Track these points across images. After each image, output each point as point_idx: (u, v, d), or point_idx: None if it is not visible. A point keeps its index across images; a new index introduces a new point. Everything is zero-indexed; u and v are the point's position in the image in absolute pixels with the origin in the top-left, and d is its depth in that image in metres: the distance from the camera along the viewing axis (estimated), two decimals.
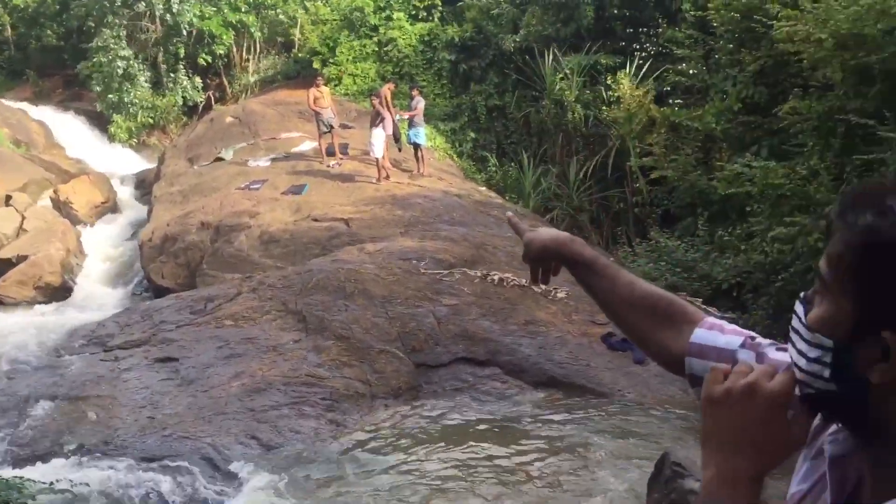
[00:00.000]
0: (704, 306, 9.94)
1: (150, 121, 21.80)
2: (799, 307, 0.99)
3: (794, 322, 1.00)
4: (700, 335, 1.30)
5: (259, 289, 9.78)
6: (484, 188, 16.22)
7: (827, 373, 0.94)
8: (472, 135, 18.17)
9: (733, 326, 1.30)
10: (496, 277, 9.85)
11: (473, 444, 6.76)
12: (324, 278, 9.61)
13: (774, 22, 10.06)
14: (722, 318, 1.32)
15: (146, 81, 21.38)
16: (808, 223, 8.24)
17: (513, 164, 17.18)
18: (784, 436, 0.97)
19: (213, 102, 22.67)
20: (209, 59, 22.38)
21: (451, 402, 7.81)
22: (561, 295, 9.70)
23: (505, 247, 11.19)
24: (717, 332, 1.30)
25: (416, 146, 14.92)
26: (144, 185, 18.19)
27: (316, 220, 12.72)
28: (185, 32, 21.69)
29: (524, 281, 9.83)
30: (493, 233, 12.01)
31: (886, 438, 0.93)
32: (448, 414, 7.52)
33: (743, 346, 1.24)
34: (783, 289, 9.13)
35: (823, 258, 0.96)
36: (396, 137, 14.96)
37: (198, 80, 22.34)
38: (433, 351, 8.47)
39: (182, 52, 22.02)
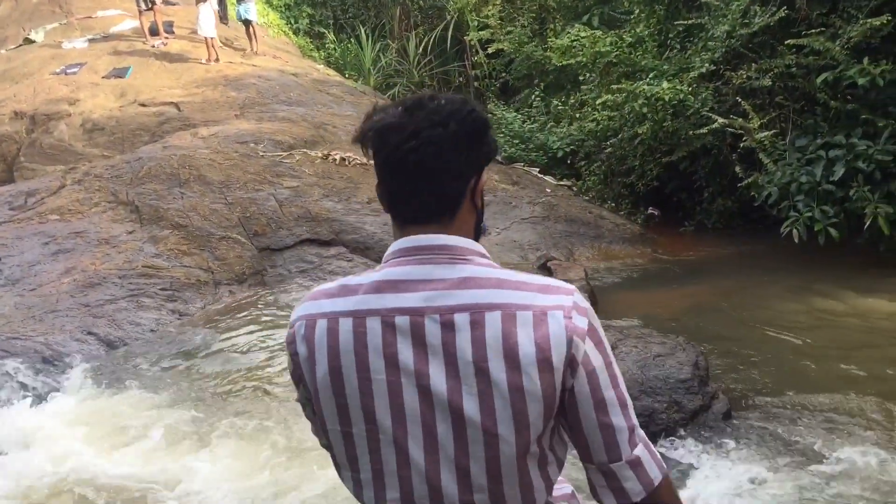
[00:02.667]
0: (541, 175, 10.27)
1: None
2: None
3: None
4: None
5: (85, 180, 9.22)
6: (322, 66, 15.74)
7: None
8: (308, 10, 17.44)
9: None
10: (337, 157, 9.72)
11: None
12: (156, 166, 9.17)
13: None
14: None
15: None
16: (633, 89, 8.54)
17: (351, 40, 16.70)
18: None
19: None
20: None
21: (297, 283, 7.80)
22: None
23: (345, 126, 11.01)
24: None
25: (248, 23, 14.18)
26: None
27: (143, 104, 12.00)
28: None
29: (366, 159, 9.75)
30: (332, 112, 11.77)
31: None
32: (294, 296, 7.52)
33: None
34: (613, 154, 9.55)
35: None
36: (221, 16, 14.06)
37: None
38: (276, 234, 8.36)
39: None
